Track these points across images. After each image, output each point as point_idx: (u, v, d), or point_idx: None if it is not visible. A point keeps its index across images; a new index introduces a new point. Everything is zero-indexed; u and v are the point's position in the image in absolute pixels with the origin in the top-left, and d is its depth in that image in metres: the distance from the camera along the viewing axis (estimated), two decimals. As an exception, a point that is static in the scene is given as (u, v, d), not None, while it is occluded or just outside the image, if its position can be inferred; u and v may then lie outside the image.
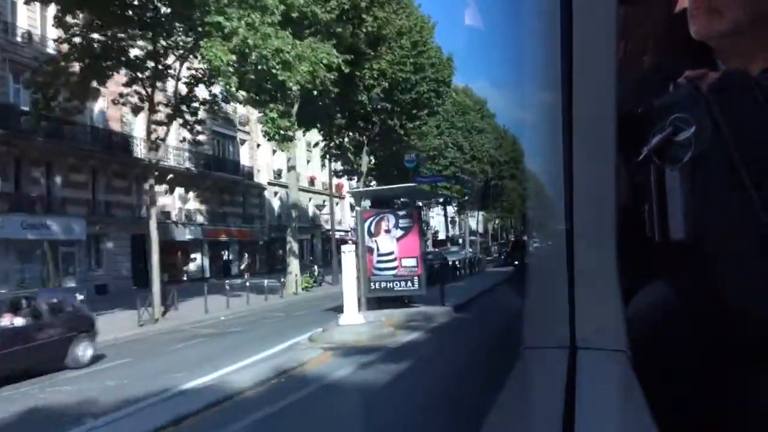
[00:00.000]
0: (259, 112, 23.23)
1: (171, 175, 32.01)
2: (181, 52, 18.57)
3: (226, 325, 16.01)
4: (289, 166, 26.31)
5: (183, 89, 19.44)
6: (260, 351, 10.82)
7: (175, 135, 29.16)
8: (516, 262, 26.53)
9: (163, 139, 19.85)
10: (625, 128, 0.77)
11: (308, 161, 45.55)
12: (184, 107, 19.25)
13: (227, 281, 22.69)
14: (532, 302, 0.88)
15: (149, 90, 18.04)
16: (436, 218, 63.59)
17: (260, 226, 40.20)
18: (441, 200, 50.58)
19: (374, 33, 24.45)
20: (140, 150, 29.28)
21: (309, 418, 6.69)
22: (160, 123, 19.03)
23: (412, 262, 15.37)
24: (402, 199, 17.50)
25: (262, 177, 40.95)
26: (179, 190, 33.93)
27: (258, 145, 39.94)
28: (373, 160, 32.63)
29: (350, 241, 45.68)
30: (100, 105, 26.34)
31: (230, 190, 38.56)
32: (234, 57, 16.48)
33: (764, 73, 0.74)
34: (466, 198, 50.23)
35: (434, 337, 12.04)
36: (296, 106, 22.74)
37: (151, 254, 18.19)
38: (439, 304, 15.35)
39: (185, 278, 32.41)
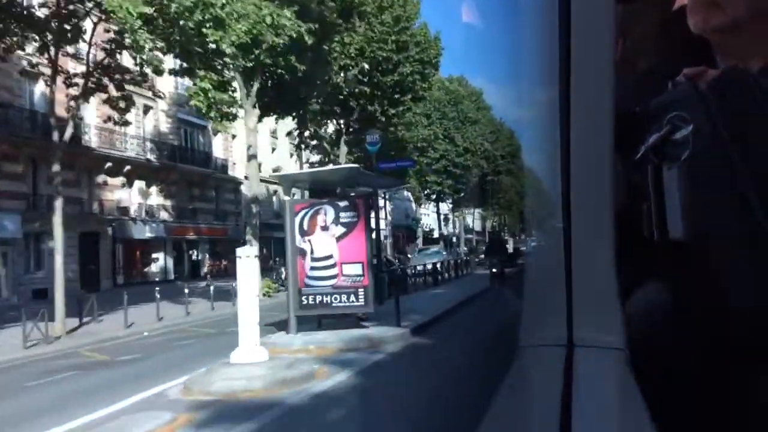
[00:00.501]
0: (193, 84, 19.10)
1: (128, 167, 29.86)
2: (91, 6, 15.30)
3: (130, 348, 12.69)
4: (249, 155, 23.13)
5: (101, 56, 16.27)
6: (108, 403, 7.50)
7: (135, 123, 27.56)
8: (494, 269, 23.13)
9: (80, 118, 16.94)
10: (623, 126, 0.77)
11: (273, 149, 42.27)
12: (105, 79, 15.96)
13: (189, 285, 20.40)
14: (529, 300, 0.87)
15: (53, 55, 14.99)
16: (431, 215, 61.57)
17: (235, 223, 37.32)
18: (434, 196, 48.29)
19: (348, 2, 20.91)
20: (91, 138, 27.49)
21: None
22: (75, 98, 16.06)
23: (356, 269, 11.51)
24: (363, 188, 13.70)
25: (239, 170, 37.60)
26: (139, 184, 32.07)
27: (233, 136, 36.50)
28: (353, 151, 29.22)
29: None
30: (41, 87, 23.23)
31: (200, 185, 36.00)
32: (148, 10, 13.50)
33: (764, 71, 0.74)
34: (462, 194, 47.83)
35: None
36: (255, 87, 19.39)
37: (54, 255, 15.05)
38: (394, 324, 11.70)
39: (151, 280, 30.13)
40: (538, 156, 1.02)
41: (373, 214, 13.33)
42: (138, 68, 16.81)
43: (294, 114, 25.09)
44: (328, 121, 27.63)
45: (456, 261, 30.64)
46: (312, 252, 11.71)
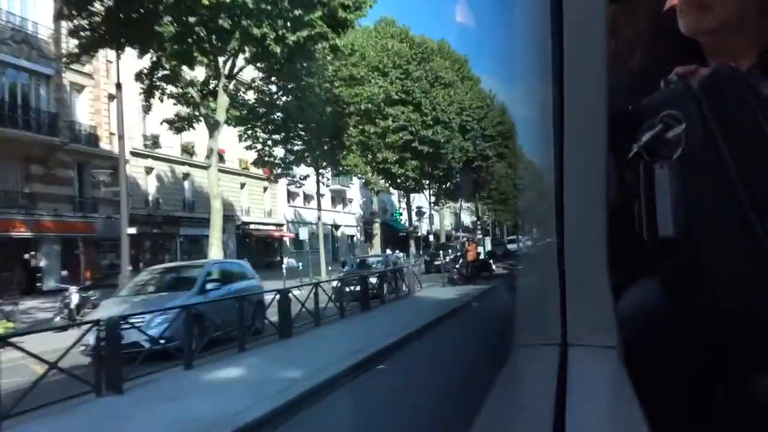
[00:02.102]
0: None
1: None
2: None
3: None
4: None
5: None
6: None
7: None
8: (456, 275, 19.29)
9: None
10: (616, 126, 0.78)
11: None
12: None
13: (13, 306, 14.78)
14: (523, 299, 0.88)
15: None
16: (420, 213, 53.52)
17: (108, 216, 25.06)
18: (402, 184, 36.93)
19: None
20: None
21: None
22: None
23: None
24: None
25: (119, 143, 20.63)
26: None
27: (111, 97, 23.75)
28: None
29: (286, 238, 39.10)
30: None
31: (44, 161, 23.53)
32: None
33: (753, 69, 0.75)
34: (439, 182, 38.70)
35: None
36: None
37: None
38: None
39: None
40: (531, 155, 1.03)
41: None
42: None
43: (146, 45, 16.64)
44: (196, 56, 16.27)
45: (391, 275, 18.41)
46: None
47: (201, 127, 19.61)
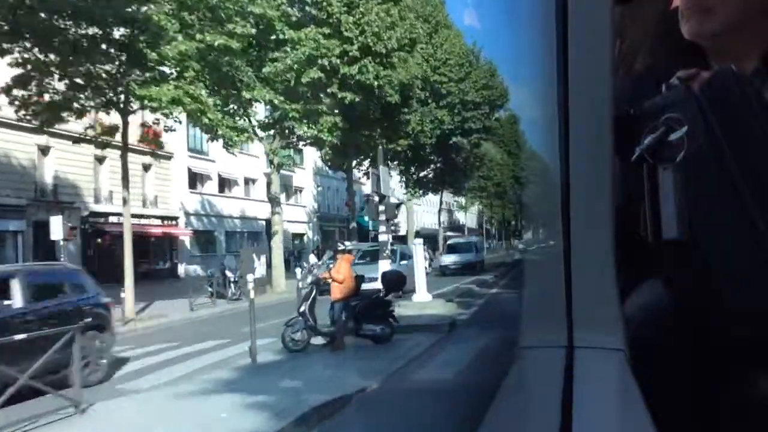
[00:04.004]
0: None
1: None
2: None
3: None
4: None
5: None
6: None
7: None
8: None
9: None
10: (622, 129, 0.78)
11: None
12: None
13: None
14: (529, 301, 0.88)
15: None
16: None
17: None
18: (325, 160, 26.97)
19: None
20: None
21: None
22: None
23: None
24: None
25: None
26: None
27: None
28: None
29: (185, 238, 27.05)
30: None
31: None
32: None
33: (756, 72, 0.75)
34: (398, 161, 28.01)
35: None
36: None
37: None
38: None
39: None
40: (537, 158, 1.02)
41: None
42: None
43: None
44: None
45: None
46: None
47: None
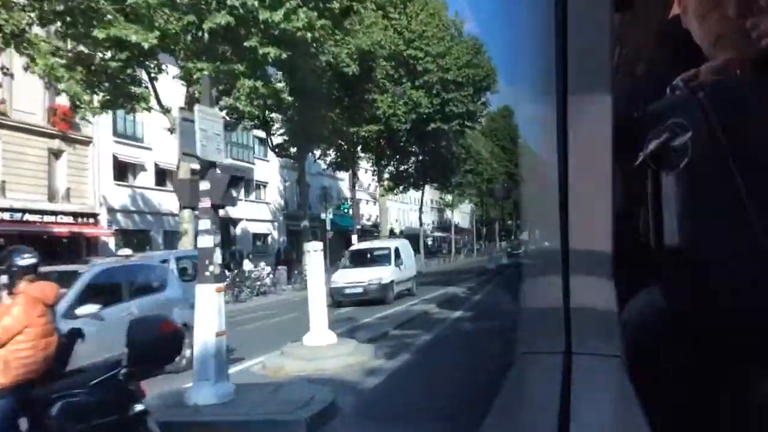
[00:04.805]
0: None
1: None
2: None
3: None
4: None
5: None
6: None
7: None
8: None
9: None
10: (622, 133, 0.78)
11: None
12: None
13: None
14: (527, 307, 0.88)
15: None
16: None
17: None
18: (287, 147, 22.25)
19: None
20: None
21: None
22: None
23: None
24: None
25: None
26: None
27: None
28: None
29: (107, 238, 19.85)
30: None
31: None
32: None
33: (760, 77, 0.75)
34: (364, 148, 24.22)
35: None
36: None
37: None
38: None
39: None
40: (536, 163, 1.02)
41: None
42: None
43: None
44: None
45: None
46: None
47: None
